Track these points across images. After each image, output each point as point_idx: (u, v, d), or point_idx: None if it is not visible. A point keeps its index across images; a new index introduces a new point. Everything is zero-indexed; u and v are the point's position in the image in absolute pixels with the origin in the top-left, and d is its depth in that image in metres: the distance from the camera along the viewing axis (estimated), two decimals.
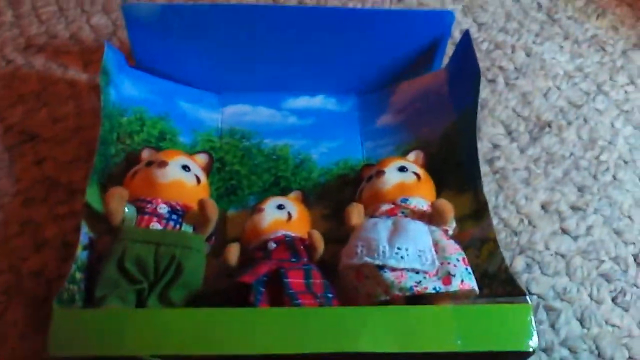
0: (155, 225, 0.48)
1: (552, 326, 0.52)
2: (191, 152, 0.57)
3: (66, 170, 0.59)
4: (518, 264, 0.55)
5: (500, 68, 0.69)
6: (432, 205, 0.49)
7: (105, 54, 0.56)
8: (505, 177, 0.61)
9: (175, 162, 0.52)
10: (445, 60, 0.65)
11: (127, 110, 0.58)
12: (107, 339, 0.40)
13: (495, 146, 0.63)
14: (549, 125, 0.65)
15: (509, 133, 0.64)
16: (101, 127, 0.53)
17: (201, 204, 0.49)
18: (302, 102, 0.65)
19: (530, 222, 0.58)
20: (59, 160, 0.60)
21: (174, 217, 0.49)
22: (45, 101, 0.64)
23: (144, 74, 0.61)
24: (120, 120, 0.57)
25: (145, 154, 0.55)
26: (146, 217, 0.49)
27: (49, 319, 0.50)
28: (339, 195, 0.59)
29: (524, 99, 0.67)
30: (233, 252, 0.50)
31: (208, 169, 0.56)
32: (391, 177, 0.52)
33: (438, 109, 0.61)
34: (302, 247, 0.49)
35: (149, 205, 0.49)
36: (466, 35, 0.58)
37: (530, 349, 0.41)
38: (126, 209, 0.49)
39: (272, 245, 0.49)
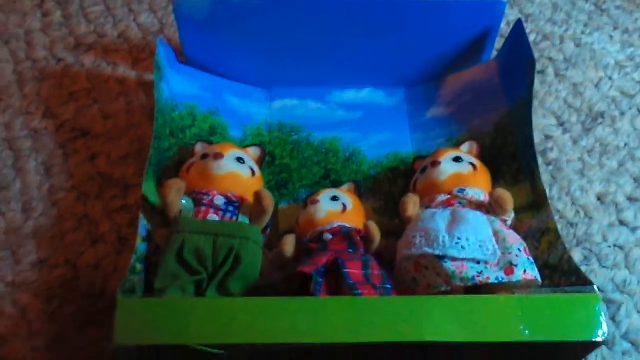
0: (213, 217, 0.49)
1: (613, 319, 0.51)
2: (242, 145, 0.57)
3: (119, 165, 0.60)
4: (575, 256, 0.54)
5: (550, 59, 0.68)
6: (492, 195, 0.48)
7: (158, 49, 0.56)
8: (559, 168, 0.60)
9: (230, 154, 0.52)
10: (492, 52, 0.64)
11: (179, 106, 0.59)
12: (171, 328, 0.40)
13: (548, 137, 0.62)
14: (602, 116, 0.63)
15: (561, 124, 0.63)
16: (155, 122, 0.53)
17: (258, 195, 0.49)
18: (350, 95, 0.65)
19: (586, 214, 0.57)
20: (112, 156, 0.60)
21: (231, 208, 0.50)
22: (95, 98, 0.65)
23: (194, 70, 0.62)
24: (172, 115, 0.58)
25: (199, 148, 0.55)
26: (203, 208, 0.49)
27: (106, 313, 0.51)
28: (390, 188, 0.58)
29: (575, 90, 0.66)
30: (289, 243, 0.49)
31: (260, 162, 0.56)
32: (447, 168, 0.52)
33: (489, 100, 0.60)
34: (358, 239, 0.49)
35: (205, 197, 0.50)
36: (519, 24, 0.57)
37: (600, 339, 0.40)
38: (183, 201, 0.49)
39: (328, 236, 0.49)
